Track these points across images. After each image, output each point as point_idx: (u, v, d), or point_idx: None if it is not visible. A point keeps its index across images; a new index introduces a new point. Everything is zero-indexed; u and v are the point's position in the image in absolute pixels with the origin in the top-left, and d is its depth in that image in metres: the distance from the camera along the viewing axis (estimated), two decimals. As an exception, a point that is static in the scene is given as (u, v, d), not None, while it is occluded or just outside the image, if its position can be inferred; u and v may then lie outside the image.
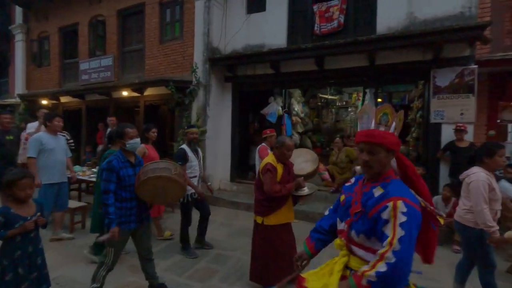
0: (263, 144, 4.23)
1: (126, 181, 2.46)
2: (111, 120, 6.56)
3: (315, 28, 5.97)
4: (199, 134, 6.30)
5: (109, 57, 8.24)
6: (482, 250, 2.59)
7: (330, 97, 8.06)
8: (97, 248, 3.41)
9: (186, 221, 3.77)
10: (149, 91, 7.52)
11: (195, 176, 3.81)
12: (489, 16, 5.07)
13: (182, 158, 3.61)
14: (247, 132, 7.94)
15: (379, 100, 7.67)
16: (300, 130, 6.93)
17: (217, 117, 6.74)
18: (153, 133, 4.14)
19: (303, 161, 3.42)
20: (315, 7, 5.97)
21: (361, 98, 6.18)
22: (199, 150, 3.99)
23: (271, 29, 6.33)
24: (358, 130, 1.48)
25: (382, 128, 1.37)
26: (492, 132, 5.36)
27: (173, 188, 2.58)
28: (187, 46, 6.89)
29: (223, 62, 6.60)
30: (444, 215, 1.49)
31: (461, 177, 2.76)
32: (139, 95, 7.64)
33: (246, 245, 4.17)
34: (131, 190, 2.48)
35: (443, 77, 5.02)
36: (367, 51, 5.25)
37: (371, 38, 5.02)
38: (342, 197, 1.55)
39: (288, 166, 2.95)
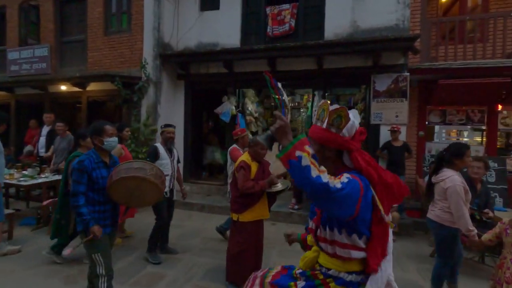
0: (235, 145, 4.08)
1: (99, 183, 2.32)
2: (48, 117, 5.92)
3: (268, 30, 6.10)
4: (149, 133, 6.06)
5: (44, 46, 7.41)
6: (450, 247, 2.73)
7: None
8: (57, 248, 3.42)
9: (160, 222, 3.65)
10: (92, 86, 6.95)
11: (167, 175, 3.64)
12: (419, 29, 5.71)
13: (152, 155, 3.60)
14: (200, 131, 7.80)
15: (328, 102, 8.16)
16: (254, 130, 7.02)
17: (169, 115, 6.50)
18: (127, 132, 4.14)
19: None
20: (268, 10, 6.10)
21: (311, 100, 6.47)
22: (175, 150, 3.93)
23: (224, 28, 6.30)
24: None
25: (319, 124, 1.37)
26: (421, 133, 6.06)
27: (149, 190, 2.43)
28: (136, 40, 6.52)
29: (175, 59, 6.38)
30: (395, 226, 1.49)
31: (434, 180, 2.82)
32: (81, 90, 7.01)
33: (197, 246, 4.11)
34: (105, 193, 2.34)
35: (381, 83, 5.52)
36: (315, 55, 5.53)
37: (319, 43, 5.30)
38: None
39: (263, 165, 3.02)
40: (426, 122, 6.12)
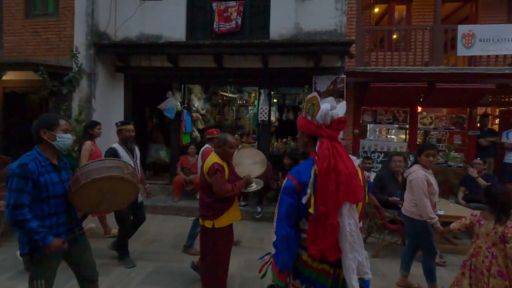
0: (208, 146, 3.74)
1: (50, 190, 1.86)
2: None
3: (215, 26, 6.01)
4: (82, 130, 5.49)
5: None
6: (427, 239, 2.91)
7: (230, 95, 8.31)
8: None
9: (125, 227, 3.42)
10: (10, 75, 6.03)
11: None
12: (354, 35, 6.21)
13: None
14: (144, 128, 7.36)
15: (275, 100, 8.38)
16: (201, 127, 6.88)
17: (106, 110, 5.98)
18: (98, 129, 3.94)
19: (251, 163, 3.30)
20: (214, 5, 6.00)
21: (258, 98, 6.59)
22: (137, 149, 3.57)
23: (169, 21, 6.01)
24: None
25: (308, 117, 1.47)
26: (356, 131, 6.61)
27: (125, 191, 2.10)
28: (65, 26, 5.84)
29: (112, 50, 5.89)
30: None
31: (404, 174, 3.13)
32: (-6, 79, 6.04)
33: (137, 249, 3.87)
34: (56, 202, 1.90)
35: (322, 83, 5.87)
36: (261, 54, 5.63)
37: (264, 42, 5.41)
38: None
39: (230, 165, 2.86)
40: (361, 121, 6.70)
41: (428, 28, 6.35)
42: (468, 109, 6.49)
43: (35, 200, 1.81)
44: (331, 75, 5.83)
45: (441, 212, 3.98)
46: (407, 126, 6.66)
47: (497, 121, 7.27)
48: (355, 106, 6.59)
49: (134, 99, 6.42)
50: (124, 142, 3.41)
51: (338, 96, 5.85)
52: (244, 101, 8.61)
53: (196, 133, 6.69)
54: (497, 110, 7.17)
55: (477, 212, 2.49)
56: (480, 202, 4.70)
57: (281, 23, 5.82)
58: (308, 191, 1.36)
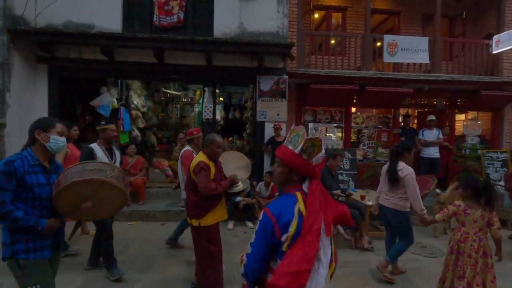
0: (188, 147, 3.54)
1: (35, 192, 1.79)
2: None
3: (155, 19, 5.70)
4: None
5: None
6: (409, 228, 3.26)
7: (174, 92, 8.00)
8: None
9: (105, 234, 3.17)
10: None
11: None
12: (295, 38, 6.49)
13: (87, 158, 2.88)
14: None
15: (221, 99, 8.34)
16: (142, 125, 6.48)
17: (26, 106, 5.24)
18: (75, 131, 3.96)
19: (235, 167, 3.23)
20: (153, -3, 5.69)
21: (202, 96, 6.47)
22: (116, 150, 3.36)
23: (102, 10, 5.51)
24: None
25: (290, 147, 1.37)
26: (298, 129, 6.94)
27: (110, 196, 1.98)
28: (-31, 6, 4.93)
29: (32, 37, 5.16)
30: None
31: (387, 172, 3.38)
32: None
33: (83, 259, 3.51)
34: (42, 205, 1.83)
35: (265, 83, 6.02)
36: (204, 51, 5.53)
37: (207, 40, 5.33)
38: None
39: (218, 165, 2.84)
40: (302, 120, 7.05)
41: (360, 36, 6.97)
42: (392, 110, 7.31)
43: (19, 200, 1.75)
44: (274, 75, 6.02)
45: (370, 203, 4.42)
46: (343, 125, 7.23)
47: (415, 120, 8.35)
48: (297, 106, 6.90)
49: (62, 94, 5.74)
50: (106, 142, 3.21)
51: (281, 96, 6.08)
52: (189, 99, 8.38)
53: (137, 132, 6.28)
54: (416, 111, 8.23)
55: (460, 203, 2.74)
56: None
57: (225, 22, 5.79)
58: (290, 229, 1.27)
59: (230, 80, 6.36)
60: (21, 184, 1.75)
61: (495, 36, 6.97)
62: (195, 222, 2.69)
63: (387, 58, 6.81)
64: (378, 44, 7.12)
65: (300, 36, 6.58)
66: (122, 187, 1.98)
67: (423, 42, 6.84)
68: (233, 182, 2.82)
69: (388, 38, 6.83)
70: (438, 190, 6.52)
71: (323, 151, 1.39)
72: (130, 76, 6.03)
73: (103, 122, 3.32)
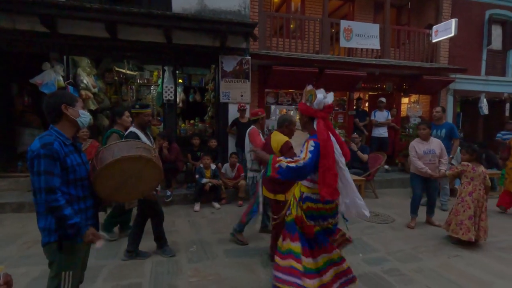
0: (254, 127, 3.69)
1: (76, 172, 1.69)
2: None
3: (105, -12, 5.17)
4: None
5: None
6: (414, 184, 4.20)
7: (129, 72, 7.43)
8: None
9: (158, 215, 3.17)
10: None
11: None
12: (257, 19, 6.43)
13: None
14: (11, 109, 5.86)
15: (180, 80, 7.99)
16: (93, 107, 5.92)
17: None
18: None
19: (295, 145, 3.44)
20: (102, -37, 5.13)
21: (161, 76, 6.12)
22: (151, 135, 3.21)
23: (39, -27, 4.81)
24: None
25: (308, 103, 2.13)
26: (261, 111, 7.02)
27: (149, 177, 1.95)
28: None
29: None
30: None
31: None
32: None
33: (15, 255, 3.17)
34: (83, 185, 1.75)
35: (228, 63, 5.92)
36: (163, 27, 5.20)
37: (166, 14, 5.01)
38: None
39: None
40: (265, 102, 7.14)
41: (318, 20, 7.17)
42: (347, 93, 7.77)
43: (62, 183, 1.63)
44: (237, 55, 5.94)
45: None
46: (303, 107, 7.49)
47: (367, 104, 9.00)
48: (259, 88, 6.95)
49: (-7, 70, 4.98)
50: (142, 127, 3.05)
51: (244, 77, 6.05)
52: (146, 80, 7.87)
53: (87, 114, 5.74)
54: (367, 94, 8.86)
55: (468, 163, 3.65)
56: (356, 168, 5.81)
57: (185, -3, 5.49)
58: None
59: (191, 59, 6.11)
60: (64, 167, 1.63)
61: (434, 26, 7.74)
62: (280, 197, 2.95)
63: (343, 43, 7.14)
64: (335, 29, 7.41)
65: (262, 17, 6.54)
66: (161, 168, 2.02)
67: (374, 29, 7.30)
68: None
69: (344, 23, 7.14)
70: (386, 166, 7.22)
71: (321, 98, 2.07)
72: (78, 51, 5.43)
73: (137, 106, 3.16)
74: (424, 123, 4.33)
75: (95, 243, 1.70)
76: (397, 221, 4.42)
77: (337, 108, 7.72)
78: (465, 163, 3.68)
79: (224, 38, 5.60)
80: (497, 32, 8.87)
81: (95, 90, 6.04)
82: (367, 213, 2.10)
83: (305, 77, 6.76)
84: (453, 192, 5.25)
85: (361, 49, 7.48)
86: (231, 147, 6.00)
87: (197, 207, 4.88)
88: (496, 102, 8.84)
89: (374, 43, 7.31)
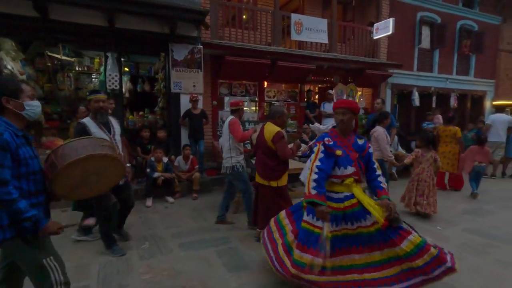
0: (233, 117, 3.65)
1: (29, 165, 1.58)
2: None
3: (30, -41, 4.50)
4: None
5: None
6: (384, 169, 4.22)
7: (65, 58, 6.64)
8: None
9: (106, 213, 2.96)
10: None
11: None
12: (209, 7, 6.24)
13: (80, 135, 2.61)
14: None
15: (126, 69, 7.43)
16: (22, 97, 5.21)
17: None
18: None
19: None
20: None
21: (104, 63, 5.59)
22: (115, 122, 3.07)
23: None
24: (336, 100, 2.55)
25: (350, 98, 2.33)
26: (215, 102, 6.91)
27: (113, 173, 1.98)
28: None
29: None
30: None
31: (371, 133, 4.59)
32: None
33: None
34: (36, 179, 1.63)
35: (179, 52, 5.67)
36: (104, 9, 4.74)
37: (108, -5, 4.57)
38: (339, 152, 2.16)
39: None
40: (218, 93, 7.03)
41: (270, 12, 7.23)
42: (299, 85, 8.04)
43: (13, 177, 1.53)
44: (188, 44, 5.71)
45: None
46: (257, 99, 7.57)
47: (317, 96, 9.44)
48: (212, 79, 6.81)
49: None
50: (94, 115, 2.88)
51: (196, 66, 5.87)
52: (86, 68, 7.14)
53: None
54: (317, 87, 9.28)
55: (419, 150, 4.32)
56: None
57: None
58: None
59: (138, 46, 5.69)
60: (15, 159, 1.53)
61: (375, 24, 8.36)
62: (273, 184, 3.10)
63: (294, 36, 7.34)
64: (286, 22, 7.55)
65: (214, 5, 6.37)
66: (124, 164, 2.02)
67: (323, 24, 7.64)
68: (299, 146, 3.22)
69: (294, 17, 7.32)
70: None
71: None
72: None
73: (87, 93, 3.00)
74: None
75: (58, 234, 1.66)
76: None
77: (289, 100, 7.96)
78: (417, 149, 4.39)
79: (174, 25, 5.33)
80: (426, 33, 9.94)
81: (23, 77, 5.29)
82: None
83: (258, 69, 6.83)
84: (391, 176, 5.84)
85: (311, 42, 7.77)
86: (184, 139, 5.82)
87: (149, 202, 4.66)
88: (425, 95, 9.97)
89: (323, 38, 7.65)
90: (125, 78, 6.97)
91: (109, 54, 5.23)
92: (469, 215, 4.30)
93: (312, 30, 7.46)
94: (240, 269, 2.80)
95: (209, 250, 3.17)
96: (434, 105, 9.84)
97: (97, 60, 7.01)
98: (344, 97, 2.68)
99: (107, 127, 2.94)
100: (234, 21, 6.94)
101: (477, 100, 11.57)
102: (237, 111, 3.73)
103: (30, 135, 1.74)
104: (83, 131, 2.72)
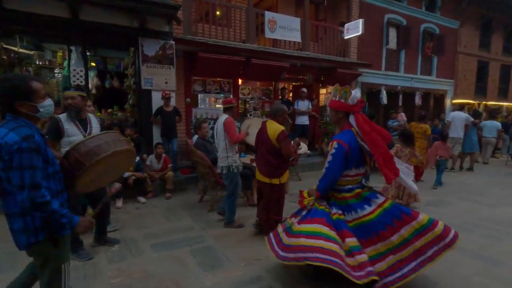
0: (229, 116, 3.57)
1: (55, 165, 1.61)
2: None
3: None
4: None
5: None
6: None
7: (22, 51, 6.14)
8: None
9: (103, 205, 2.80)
10: None
11: None
12: (181, 1, 6.08)
13: (53, 132, 2.72)
14: None
15: (93, 64, 7.07)
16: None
17: None
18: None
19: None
20: None
21: (67, 57, 5.25)
22: (93, 119, 3.00)
23: None
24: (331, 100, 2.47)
25: (342, 100, 2.34)
26: (188, 100, 6.77)
27: (125, 164, 2.10)
28: None
29: None
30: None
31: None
32: None
33: None
34: (60, 178, 1.65)
35: (150, 47, 5.48)
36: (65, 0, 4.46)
37: (70, -16, 4.30)
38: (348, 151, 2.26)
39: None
40: (192, 90, 6.89)
41: (244, 9, 7.20)
42: (273, 83, 8.11)
43: (46, 177, 1.56)
44: (159, 39, 5.53)
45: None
46: (231, 96, 7.52)
47: (291, 94, 9.57)
48: (185, 75, 6.66)
49: None
50: (68, 111, 2.82)
51: (168, 63, 5.71)
52: (47, 62, 6.69)
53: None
54: (291, 85, 9.41)
55: (398, 145, 4.59)
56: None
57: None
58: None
59: (105, 40, 5.42)
60: (45, 160, 1.53)
61: (346, 25, 8.63)
62: (276, 181, 3.17)
63: (268, 34, 7.37)
64: (260, 20, 7.56)
65: (187, 1, 6.22)
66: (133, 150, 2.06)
67: (296, 22, 7.74)
68: (298, 144, 3.35)
69: (268, 15, 7.35)
70: (309, 151, 7.86)
71: (354, 93, 2.32)
72: None
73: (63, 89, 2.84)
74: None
75: (91, 228, 1.73)
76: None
77: (263, 97, 8.00)
78: (397, 145, 4.68)
79: (144, 18, 5.14)
80: (393, 34, 10.44)
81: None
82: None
83: (232, 66, 6.78)
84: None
85: (285, 41, 7.85)
86: (156, 137, 5.64)
87: (119, 203, 4.47)
88: (392, 93, 10.49)
89: (296, 36, 7.76)
90: (92, 74, 6.64)
91: (73, 48, 4.93)
92: (431, 207, 4.59)
93: (285, 28, 7.53)
94: (215, 267, 2.78)
95: (183, 250, 3.11)
96: (400, 103, 10.38)
97: (60, 54, 6.59)
98: (336, 98, 2.64)
99: (83, 124, 2.88)
100: (207, 17, 6.83)
101: (439, 98, 12.37)
102: (230, 109, 3.67)
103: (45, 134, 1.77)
104: (56, 127, 2.72)
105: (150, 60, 5.50)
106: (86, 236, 3.32)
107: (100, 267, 2.76)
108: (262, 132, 3.23)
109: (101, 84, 7.10)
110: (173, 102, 5.71)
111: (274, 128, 3.11)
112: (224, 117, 3.57)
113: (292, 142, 3.29)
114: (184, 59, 6.50)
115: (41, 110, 1.57)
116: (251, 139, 3.90)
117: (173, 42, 5.69)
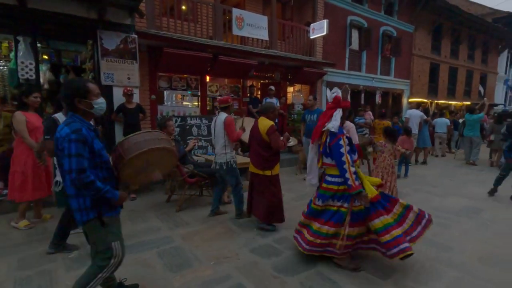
0: (227, 115, 3.76)
1: (102, 156, 1.85)
2: None
3: None
4: None
5: None
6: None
7: (-41, 40, 5.46)
8: None
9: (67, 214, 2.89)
10: None
11: None
12: (144, -7, 5.79)
13: (51, 132, 2.75)
14: None
15: (45, 57, 6.49)
16: None
17: None
18: (35, 97, 3.55)
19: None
20: None
21: (14, 49, 4.75)
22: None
23: None
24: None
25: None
26: (153, 96, 6.51)
27: (167, 163, 2.31)
28: None
29: None
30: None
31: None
32: None
33: None
34: (108, 167, 1.91)
35: (110, 40, 5.16)
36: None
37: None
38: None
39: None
40: (157, 87, 6.64)
41: (211, 4, 7.07)
42: (241, 80, 8.08)
43: (95, 166, 1.79)
44: (120, 32, 5.24)
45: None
46: (199, 93, 7.38)
47: (259, 91, 9.63)
48: (150, 71, 6.40)
49: None
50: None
51: (131, 57, 5.43)
52: (-10, 54, 6.00)
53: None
54: (259, 83, 9.46)
55: (382, 141, 4.74)
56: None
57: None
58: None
59: (59, 32, 4.98)
60: (92, 151, 1.76)
61: (311, 24, 8.86)
62: (268, 173, 3.41)
63: (235, 31, 7.33)
64: (228, 16, 7.49)
65: (149, -6, 5.95)
66: (177, 155, 2.35)
67: (263, 21, 7.79)
68: (288, 138, 3.54)
69: (236, 11, 7.31)
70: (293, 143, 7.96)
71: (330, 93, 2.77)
72: None
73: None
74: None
75: (126, 199, 1.95)
76: (287, 196, 4.99)
77: (232, 95, 7.95)
78: (381, 141, 4.90)
79: (102, 9, 4.82)
80: (355, 35, 10.93)
81: None
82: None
83: (199, 62, 6.65)
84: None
85: (253, 39, 7.85)
86: (118, 135, 5.35)
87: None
88: (355, 92, 11.00)
89: (263, 34, 7.80)
90: (44, 67, 6.09)
91: (20, 38, 4.47)
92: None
93: (253, 26, 7.54)
94: (183, 267, 2.71)
95: (149, 252, 2.99)
96: (362, 101, 10.92)
97: (5, 44, 5.94)
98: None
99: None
100: (173, 11, 6.60)
101: (397, 97, 13.22)
102: (227, 107, 3.86)
103: (98, 129, 2.04)
104: (53, 126, 2.80)
105: (110, 54, 5.19)
106: (41, 242, 3.07)
107: (56, 276, 2.56)
108: (254, 128, 3.54)
109: (54, 79, 6.55)
110: (136, 98, 5.45)
111: (265, 123, 3.40)
112: (223, 116, 3.76)
113: (282, 136, 3.56)
114: (148, 54, 6.23)
115: (95, 106, 1.86)
116: (245, 137, 4.16)
117: (136, 36, 5.41)
